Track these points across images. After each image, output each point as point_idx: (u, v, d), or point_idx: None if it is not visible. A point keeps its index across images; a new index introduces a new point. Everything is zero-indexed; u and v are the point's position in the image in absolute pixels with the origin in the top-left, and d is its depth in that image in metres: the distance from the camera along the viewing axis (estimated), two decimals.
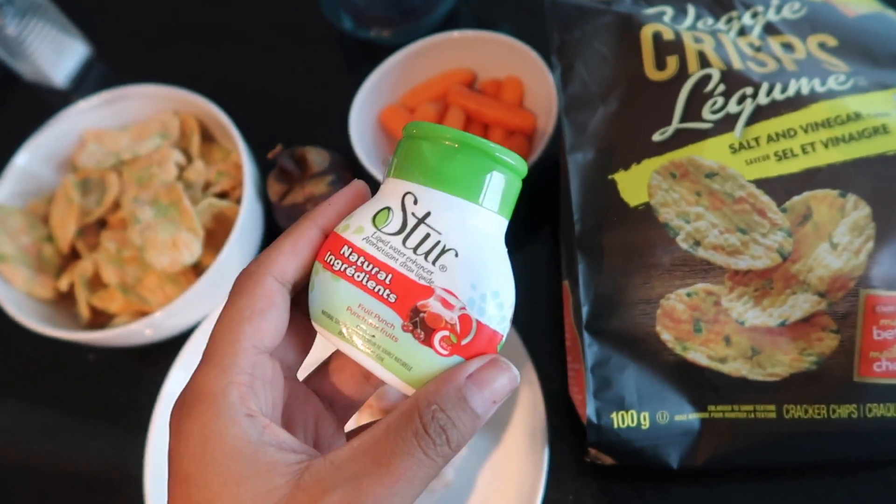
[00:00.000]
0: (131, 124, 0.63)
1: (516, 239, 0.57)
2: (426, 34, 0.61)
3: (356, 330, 0.25)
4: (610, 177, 0.43)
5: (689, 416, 0.41)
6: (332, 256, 0.26)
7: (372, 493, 0.22)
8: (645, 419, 0.41)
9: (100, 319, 0.58)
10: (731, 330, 0.40)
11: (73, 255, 0.60)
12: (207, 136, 0.63)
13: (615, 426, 0.41)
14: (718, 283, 0.40)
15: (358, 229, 0.26)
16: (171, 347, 0.56)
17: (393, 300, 0.25)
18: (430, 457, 0.23)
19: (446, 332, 0.24)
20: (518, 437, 0.49)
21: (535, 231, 0.57)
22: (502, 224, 0.27)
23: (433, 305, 0.24)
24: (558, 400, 0.50)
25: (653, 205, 0.41)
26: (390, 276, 0.25)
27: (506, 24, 0.67)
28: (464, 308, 0.24)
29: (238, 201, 0.57)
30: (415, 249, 0.25)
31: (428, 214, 0.25)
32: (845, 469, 0.46)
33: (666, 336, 0.41)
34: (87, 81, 0.76)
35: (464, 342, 0.25)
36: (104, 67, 0.77)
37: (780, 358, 0.40)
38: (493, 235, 0.26)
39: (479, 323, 0.25)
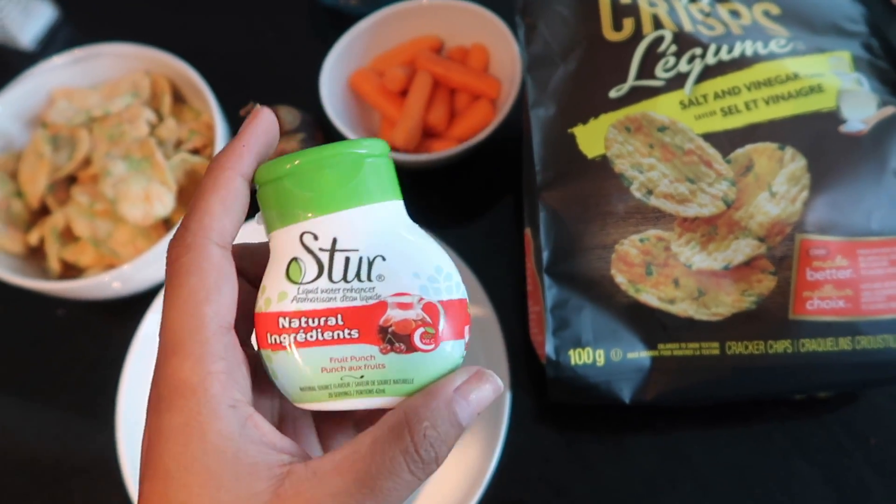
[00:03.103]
0: (101, 83, 0.64)
1: (480, 199, 0.60)
2: (394, 1, 0.62)
3: (342, 384, 0.25)
4: (569, 130, 0.45)
5: (641, 354, 0.44)
6: (274, 336, 0.25)
7: None
8: (600, 356, 0.44)
9: (70, 273, 0.58)
10: (679, 273, 0.43)
11: (43, 212, 0.60)
12: (178, 98, 0.64)
13: (572, 363, 0.44)
14: (668, 230, 0.43)
15: (281, 296, 0.25)
16: (140, 304, 0.57)
17: (356, 335, 0.24)
18: (416, 476, 0.23)
19: (421, 329, 0.24)
20: None
21: (499, 192, 0.60)
22: (400, 205, 0.26)
23: (395, 315, 0.24)
24: (520, 349, 0.52)
25: (609, 156, 0.44)
26: (339, 316, 0.24)
27: None
28: (421, 299, 0.24)
29: (210, 159, 0.58)
30: (345, 279, 0.24)
31: (335, 241, 0.25)
32: (783, 410, 0.49)
33: (620, 279, 0.44)
34: (54, 44, 0.75)
35: (440, 327, 0.25)
36: (71, 30, 0.77)
37: (724, 298, 0.43)
38: (399, 221, 0.26)
39: (441, 302, 0.25)
